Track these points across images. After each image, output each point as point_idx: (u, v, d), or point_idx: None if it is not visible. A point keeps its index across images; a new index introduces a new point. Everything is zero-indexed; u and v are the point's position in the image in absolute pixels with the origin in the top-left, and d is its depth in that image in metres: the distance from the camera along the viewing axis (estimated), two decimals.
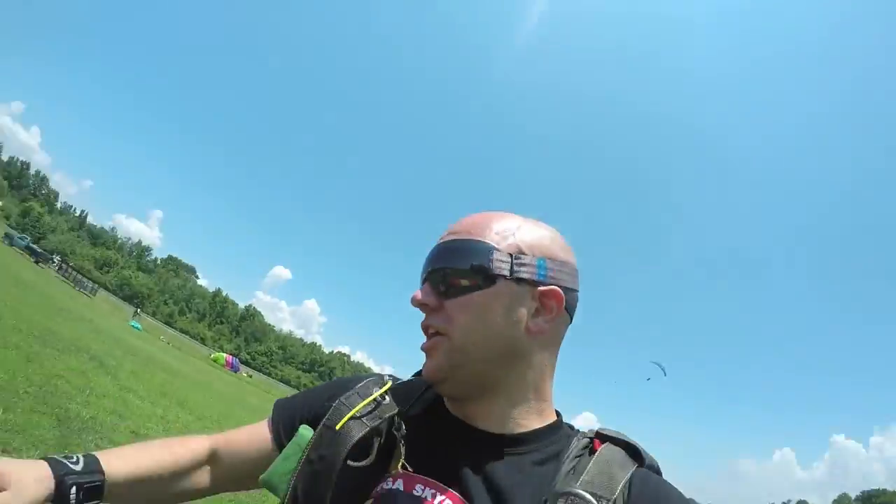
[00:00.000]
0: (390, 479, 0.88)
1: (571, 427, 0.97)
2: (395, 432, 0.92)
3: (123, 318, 47.55)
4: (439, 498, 0.84)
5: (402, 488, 0.86)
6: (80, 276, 59.58)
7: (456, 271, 0.91)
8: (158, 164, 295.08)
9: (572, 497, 0.77)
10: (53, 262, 57.32)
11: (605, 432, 0.91)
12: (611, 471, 0.82)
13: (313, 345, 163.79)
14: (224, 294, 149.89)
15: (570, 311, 0.95)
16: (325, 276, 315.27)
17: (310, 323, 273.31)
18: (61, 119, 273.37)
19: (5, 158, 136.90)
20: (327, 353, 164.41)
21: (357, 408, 0.93)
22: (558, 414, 0.98)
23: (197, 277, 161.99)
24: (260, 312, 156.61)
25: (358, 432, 0.90)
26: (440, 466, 0.88)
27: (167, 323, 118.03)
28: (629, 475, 0.83)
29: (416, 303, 0.94)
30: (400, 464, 0.89)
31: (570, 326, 0.98)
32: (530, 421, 0.92)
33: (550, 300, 0.91)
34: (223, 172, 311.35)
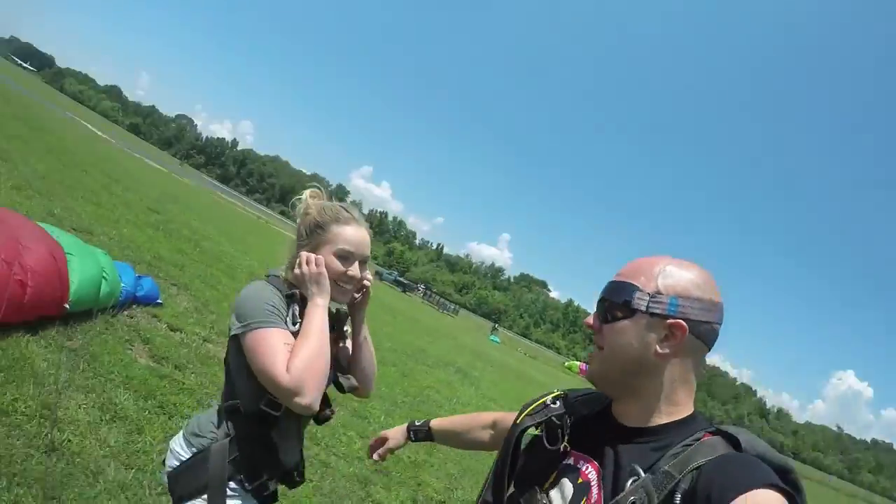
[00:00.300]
0: (567, 456, 1.27)
1: (711, 423, 1.17)
2: (564, 424, 1.30)
3: (483, 333, 52.00)
4: (587, 466, 1.20)
5: (572, 462, 1.25)
6: (442, 300, 67.20)
7: (613, 304, 1.22)
8: (500, 193, 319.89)
9: (633, 470, 1.07)
10: (418, 290, 65.51)
11: (721, 427, 1.12)
12: (697, 454, 1.04)
13: None
14: (576, 304, 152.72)
15: (702, 338, 1.18)
16: None
17: None
18: (406, 171, 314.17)
19: (366, 211, 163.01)
20: None
21: (530, 408, 1.37)
22: (695, 413, 1.21)
23: (549, 291, 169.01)
24: None
25: (528, 423, 1.33)
26: (593, 446, 1.22)
27: (523, 335, 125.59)
28: (712, 456, 1.03)
29: (587, 325, 1.28)
30: (563, 445, 1.27)
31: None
32: (660, 419, 1.18)
33: (676, 330, 1.15)
34: (564, 188, 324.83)
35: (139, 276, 6.16)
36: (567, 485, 1.22)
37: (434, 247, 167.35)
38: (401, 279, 65.12)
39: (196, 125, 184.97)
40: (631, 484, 1.05)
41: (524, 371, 27.29)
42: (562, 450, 1.28)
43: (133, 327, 5.25)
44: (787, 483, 0.99)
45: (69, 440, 3.08)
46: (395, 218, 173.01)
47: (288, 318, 1.74)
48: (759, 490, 0.93)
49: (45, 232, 4.51)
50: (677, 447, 1.09)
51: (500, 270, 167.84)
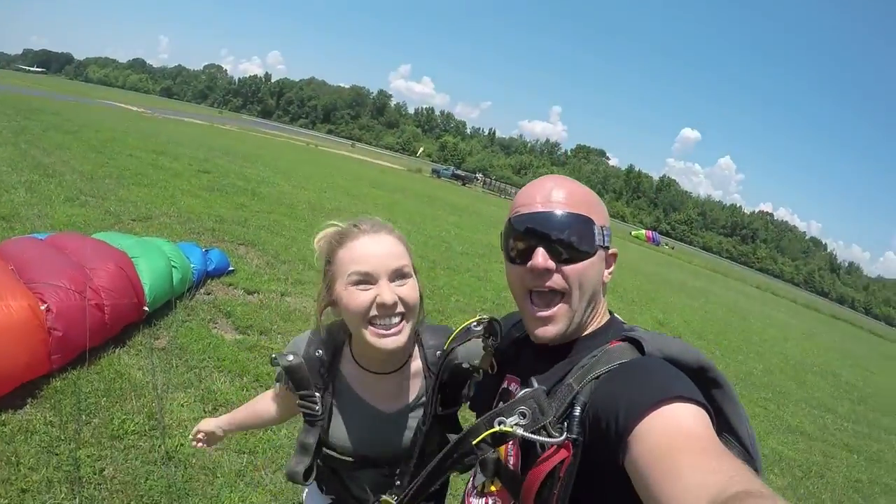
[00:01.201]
0: (503, 380, 1.29)
1: (622, 330, 1.15)
2: (489, 348, 1.31)
3: None
4: (517, 388, 1.20)
5: (506, 385, 1.27)
6: (503, 185, 66.62)
7: (577, 243, 1.11)
8: (543, 64, 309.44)
9: (529, 383, 1.11)
10: (477, 180, 65.04)
11: (629, 333, 1.08)
12: (599, 363, 1.03)
13: (733, 207, 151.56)
14: (636, 169, 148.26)
15: None
16: (736, 128, 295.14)
17: (726, 183, 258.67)
18: (445, 61, 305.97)
19: (412, 111, 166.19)
20: (748, 213, 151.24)
21: (453, 335, 1.38)
22: (610, 321, 1.22)
23: (607, 159, 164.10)
24: (675, 181, 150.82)
25: (453, 346, 1.35)
26: (523, 369, 1.22)
27: None
28: (615, 363, 1.01)
29: (542, 268, 1.10)
30: (489, 364, 1.31)
31: None
32: (577, 335, 1.18)
33: (613, 258, 1.21)
34: (606, 47, 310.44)
35: (206, 250, 6.32)
36: None
37: (486, 132, 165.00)
38: (458, 172, 64.33)
39: (225, 70, 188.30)
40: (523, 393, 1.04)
41: None
42: (493, 372, 1.32)
43: (212, 304, 5.47)
44: (705, 381, 0.99)
45: (181, 444, 3.24)
46: (442, 112, 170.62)
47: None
48: (669, 406, 0.85)
49: (105, 245, 4.65)
50: (585, 359, 1.08)
51: (555, 145, 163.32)
